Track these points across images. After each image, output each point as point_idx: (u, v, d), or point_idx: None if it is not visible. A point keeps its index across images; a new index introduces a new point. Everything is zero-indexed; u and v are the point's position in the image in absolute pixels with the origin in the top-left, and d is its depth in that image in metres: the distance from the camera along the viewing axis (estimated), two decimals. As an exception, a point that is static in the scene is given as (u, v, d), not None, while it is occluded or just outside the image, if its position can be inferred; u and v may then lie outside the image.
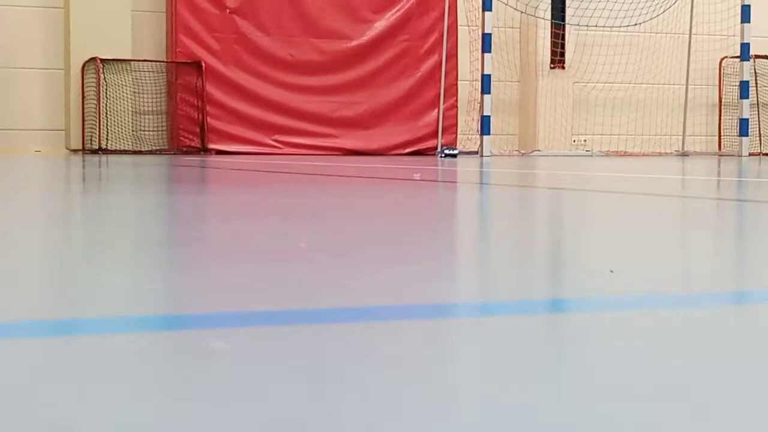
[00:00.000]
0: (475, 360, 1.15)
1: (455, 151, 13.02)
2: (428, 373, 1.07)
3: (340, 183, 6.08)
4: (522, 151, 15.08)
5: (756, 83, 15.98)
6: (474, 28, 14.48)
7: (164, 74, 14.20)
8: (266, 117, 14.19)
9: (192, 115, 13.95)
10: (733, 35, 15.00)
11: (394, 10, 14.63)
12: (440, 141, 14.51)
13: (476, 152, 13.78)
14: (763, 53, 15.89)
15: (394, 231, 2.80)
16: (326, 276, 1.81)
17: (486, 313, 1.51)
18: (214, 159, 11.68)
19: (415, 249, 2.35)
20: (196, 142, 13.93)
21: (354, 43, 14.52)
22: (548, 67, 15.44)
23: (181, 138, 13.94)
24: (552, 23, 15.27)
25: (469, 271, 2.04)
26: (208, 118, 13.93)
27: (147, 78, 14.10)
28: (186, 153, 13.70)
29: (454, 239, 2.73)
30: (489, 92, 13.67)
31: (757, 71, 15.99)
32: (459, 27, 14.82)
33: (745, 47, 14.74)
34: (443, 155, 12.73)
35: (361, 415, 0.89)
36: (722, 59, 16.01)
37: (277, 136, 14.25)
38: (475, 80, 14.31)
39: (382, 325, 1.36)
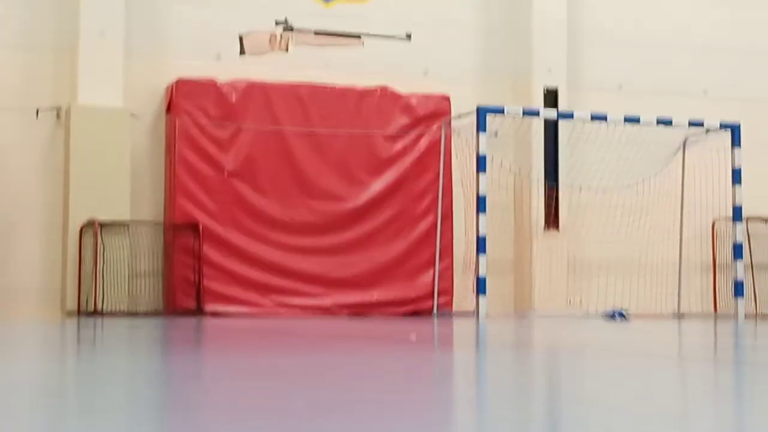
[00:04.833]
0: None
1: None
2: None
3: (335, 344, 6.05)
4: (518, 312, 15.07)
5: (749, 244, 16.08)
6: (469, 189, 14.66)
7: (161, 236, 14.29)
8: (263, 278, 14.22)
9: (188, 277, 13.99)
10: (726, 197, 15.17)
11: (390, 172, 14.84)
12: (436, 301, 14.52)
13: (472, 312, 13.77)
14: (756, 215, 16.04)
15: (388, 393, 2.78)
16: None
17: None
18: (210, 321, 11.66)
19: (409, 412, 2.34)
20: (192, 304, 13.92)
21: (350, 204, 14.67)
22: (542, 228, 15.57)
23: (178, 300, 13.94)
24: (546, 185, 15.47)
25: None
26: (205, 280, 13.96)
27: (144, 239, 14.19)
28: (182, 315, 13.68)
29: (449, 402, 2.72)
30: (484, 252, 13.76)
31: (750, 233, 16.10)
32: (454, 188, 15.01)
33: (737, 210, 14.91)
34: None
35: None
36: (714, 221, 16.15)
37: (273, 297, 14.26)
38: (471, 241, 14.40)
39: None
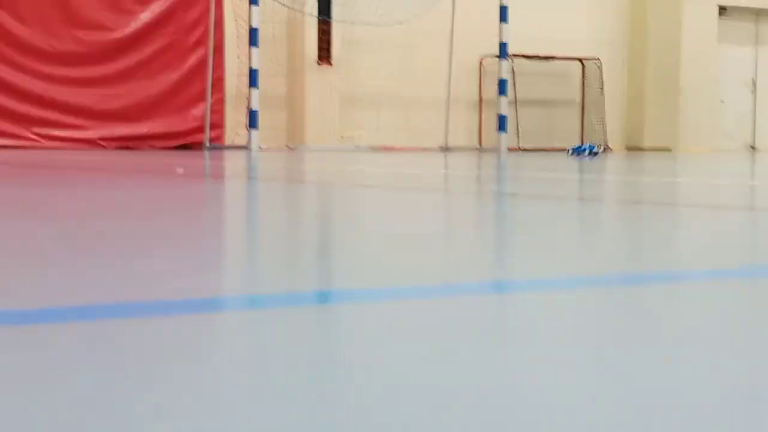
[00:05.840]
0: (240, 356, 1.13)
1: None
2: (184, 372, 1.04)
3: (98, 178, 5.91)
4: (290, 146, 15.12)
5: (514, 81, 16.57)
6: (241, 22, 14.39)
7: None
8: (25, 109, 13.64)
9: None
10: (494, 35, 15.46)
11: (160, 2, 14.36)
12: (207, 135, 14.35)
13: (245, 146, 13.71)
14: (521, 52, 16.49)
15: (149, 226, 2.74)
16: (74, 273, 1.74)
17: (249, 306, 1.49)
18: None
19: (171, 244, 2.31)
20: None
21: (117, 34, 14.16)
22: (315, 62, 15.52)
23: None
24: (318, 19, 15.35)
25: (231, 265, 2.02)
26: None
27: None
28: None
29: (215, 234, 2.70)
30: (256, 86, 13.64)
31: (515, 70, 16.58)
32: (226, 20, 14.70)
33: (503, 46, 15.26)
34: None
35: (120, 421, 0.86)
36: (482, 58, 16.52)
37: (36, 129, 13.73)
38: (243, 75, 14.22)
39: (135, 322, 1.32)
